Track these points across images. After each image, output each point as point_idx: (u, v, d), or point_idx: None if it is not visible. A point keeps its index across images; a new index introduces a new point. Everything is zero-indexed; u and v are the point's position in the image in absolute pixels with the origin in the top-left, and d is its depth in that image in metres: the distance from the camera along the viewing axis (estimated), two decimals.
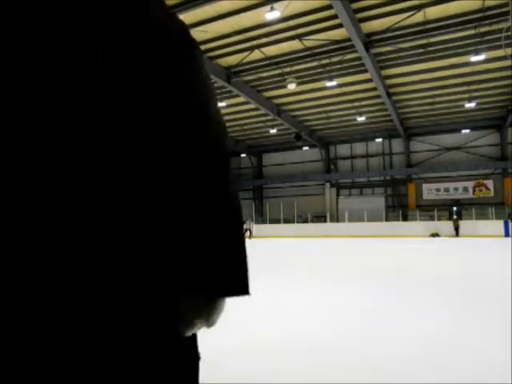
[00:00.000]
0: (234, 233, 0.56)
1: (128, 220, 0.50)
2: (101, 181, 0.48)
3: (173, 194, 0.53)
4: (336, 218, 30.17)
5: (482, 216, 25.31)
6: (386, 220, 27.60)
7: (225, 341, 2.86)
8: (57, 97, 0.47)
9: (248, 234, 25.40)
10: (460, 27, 13.92)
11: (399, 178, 30.06)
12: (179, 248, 0.53)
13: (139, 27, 0.52)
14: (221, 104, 21.61)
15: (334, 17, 13.38)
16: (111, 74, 0.50)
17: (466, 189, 27.88)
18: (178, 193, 0.53)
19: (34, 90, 0.47)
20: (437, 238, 22.32)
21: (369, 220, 26.78)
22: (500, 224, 22.93)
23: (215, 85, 18.85)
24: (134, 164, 0.51)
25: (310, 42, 15.36)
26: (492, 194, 27.18)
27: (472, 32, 14.37)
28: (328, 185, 31.72)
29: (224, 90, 19.94)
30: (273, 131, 27.87)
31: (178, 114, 0.54)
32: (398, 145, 30.05)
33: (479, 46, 15.43)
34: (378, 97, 21.03)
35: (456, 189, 28.17)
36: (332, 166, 32.14)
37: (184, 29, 0.58)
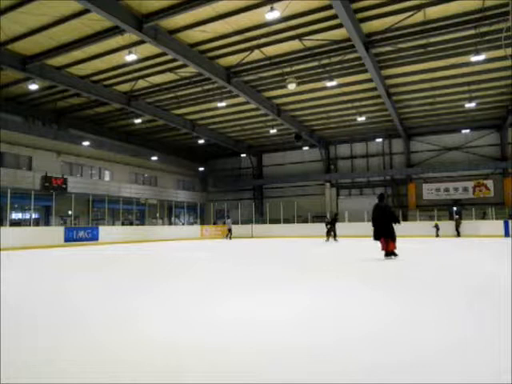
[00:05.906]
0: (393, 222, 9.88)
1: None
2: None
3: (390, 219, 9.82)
4: None
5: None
6: None
7: None
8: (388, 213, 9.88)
9: (229, 234, 25.37)
10: (460, 27, 13.94)
11: (399, 178, 30.08)
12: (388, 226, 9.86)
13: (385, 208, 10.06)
14: (221, 104, 21.59)
15: (334, 17, 13.39)
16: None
17: (465, 189, 27.89)
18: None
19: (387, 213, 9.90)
20: (438, 238, 22.31)
21: (369, 220, 26.69)
22: (500, 224, 22.96)
23: (215, 85, 19.39)
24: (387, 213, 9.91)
25: (309, 42, 15.36)
26: (492, 194, 27.19)
27: (472, 32, 14.38)
28: (328, 185, 31.73)
29: (224, 90, 19.96)
30: (273, 131, 27.85)
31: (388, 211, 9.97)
32: (398, 145, 30.07)
33: (479, 46, 15.43)
34: (378, 97, 21.04)
35: (456, 189, 28.18)
36: (332, 166, 32.15)
37: (387, 204, 10.30)
